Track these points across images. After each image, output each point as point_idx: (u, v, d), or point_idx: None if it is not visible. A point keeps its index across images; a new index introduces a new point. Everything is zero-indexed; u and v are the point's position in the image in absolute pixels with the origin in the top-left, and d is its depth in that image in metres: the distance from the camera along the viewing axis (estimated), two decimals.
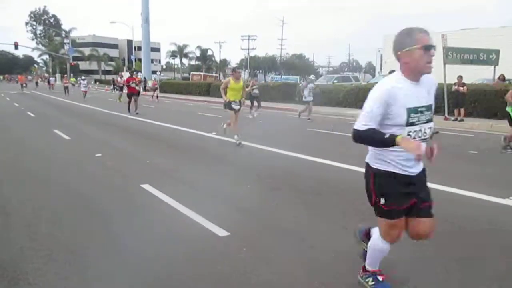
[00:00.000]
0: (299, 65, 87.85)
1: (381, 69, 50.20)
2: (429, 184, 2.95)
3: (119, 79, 37.98)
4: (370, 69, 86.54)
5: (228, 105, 10.16)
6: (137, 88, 19.28)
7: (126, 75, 54.71)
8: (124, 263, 3.81)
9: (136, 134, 12.96)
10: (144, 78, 46.82)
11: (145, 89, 42.94)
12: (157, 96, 31.25)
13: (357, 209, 4.91)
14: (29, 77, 78.44)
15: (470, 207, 5.39)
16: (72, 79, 56.04)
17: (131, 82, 18.85)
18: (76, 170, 7.69)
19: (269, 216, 5.07)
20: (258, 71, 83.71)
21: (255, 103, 18.99)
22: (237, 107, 10.15)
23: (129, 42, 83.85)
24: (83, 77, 41.83)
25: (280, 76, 62.49)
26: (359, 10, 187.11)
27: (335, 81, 30.40)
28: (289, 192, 6.11)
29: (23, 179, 6.99)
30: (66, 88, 37.15)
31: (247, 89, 13.46)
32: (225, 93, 10.21)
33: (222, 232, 4.42)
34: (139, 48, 60.46)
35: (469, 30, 37.03)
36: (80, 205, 5.56)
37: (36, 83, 57.10)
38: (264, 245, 4.18)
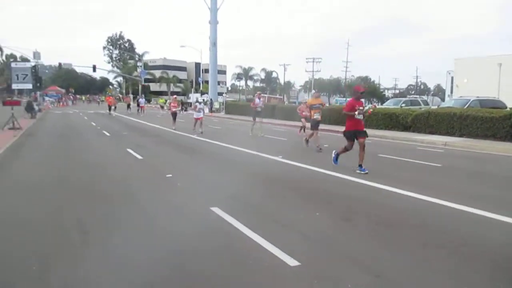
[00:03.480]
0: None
1: (451, 92, 48.24)
2: None
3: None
4: (439, 92, 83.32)
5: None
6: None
7: (194, 96, 56.47)
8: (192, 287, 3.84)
9: (204, 155, 13.27)
10: (211, 99, 48.23)
11: (211, 110, 44.16)
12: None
13: (438, 244, 4.63)
14: (102, 97, 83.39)
15: None
16: (161, 100, 54.84)
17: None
18: (148, 191, 7.96)
19: (341, 247, 4.89)
20: (322, 94, 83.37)
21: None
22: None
23: (197, 65, 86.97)
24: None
25: (344, 99, 61.80)
26: (426, 32, 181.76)
27: (403, 105, 29.44)
28: (362, 222, 5.89)
29: (98, 199, 7.33)
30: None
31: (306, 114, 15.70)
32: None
33: (292, 262, 4.33)
34: (207, 71, 62.43)
35: None
36: (151, 225, 5.72)
37: (128, 105, 47.38)
38: (337, 278, 4.03)
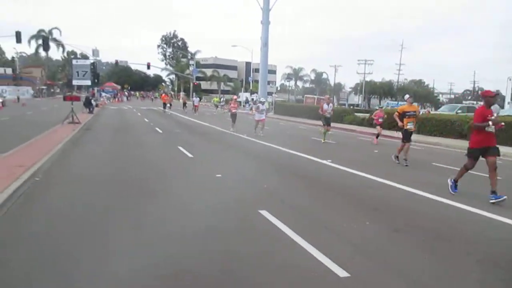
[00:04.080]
0: (417, 92, 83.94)
1: (511, 99, 45.79)
2: None
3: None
4: (498, 99, 79.29)
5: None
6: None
7: (244, 95, 56.79)
8: None
9: (253, 155, 13.34)
10: (259, 99, 48.43)
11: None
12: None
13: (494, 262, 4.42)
14: (156, 94, 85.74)
15: None
16: (216, 99, 54.09)
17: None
18: (198, 190, 8.11)
19: (391, 260, 4.77)
20: (372, 96, 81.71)
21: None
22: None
23: (248, 64, 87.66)
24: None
25: (396, 103, 60.15)
26: (485, 33, 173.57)
27: (459, 111, 28.34)
28: (413, 234, 5.71)
29: (150, 196, 7.55)
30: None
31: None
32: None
33: (342, 273, 4.28)
34: (257, 70, 62.75)
35: None
36: (200, 225, 5.81)
37: (184, 104, 45.45)
38: None
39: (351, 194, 8.17)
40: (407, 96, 12.82)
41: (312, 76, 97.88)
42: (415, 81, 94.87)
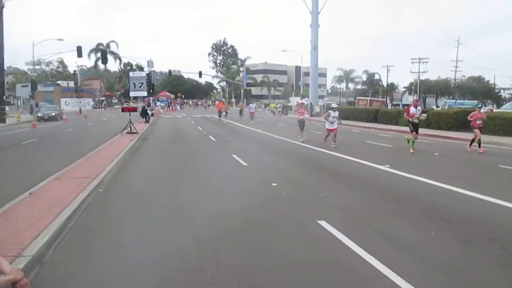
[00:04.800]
0: (476, 88, 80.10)
1: None
2: None
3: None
4: None
5: None
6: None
7: (294, 100, 56.40)
8: None
9: (308, 163, 13.20)
10: (311, 103, 48.06)
11: (311, 115, 44.02)
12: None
13: None
14: (209, 102, 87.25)
15: None
16: (273, 105, 50.57)
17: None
18: (254, 200, 8.06)
19: (460, 273, 4.53)
20: (428, 95, 78.82)
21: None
22: None
23: (297, 68, 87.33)
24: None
25: (454, 101, 57.68)
26: None
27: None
28: (485, 247, 5.37)
29: (205, 205, 7.65)
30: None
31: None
32: None
33: (407, 286, 4.11)
34: (307, 74, 62.39)
35: None
36: (257, 236, 5.79)
37: (241, 111, 42.33)
38: None
39: (410, 199, 7.85)
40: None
41: (364, 78, 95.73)
42: (474, 78, 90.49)
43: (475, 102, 49.07)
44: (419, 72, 71.30)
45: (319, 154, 15.08)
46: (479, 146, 14.87)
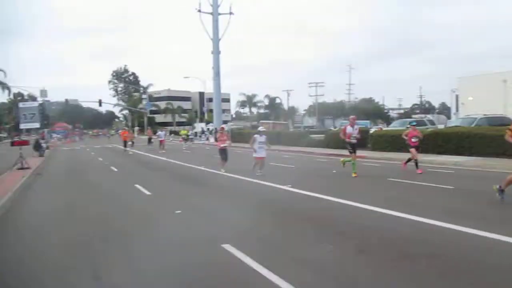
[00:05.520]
0: (368, 109, 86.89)
1: (457, 110, 48.12)
2: None
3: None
4: (444, 110, 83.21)
5: None
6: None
7: (199, 126, 56.05)
8: None
9: (214, 188, 13.09)
10: (215, 128, 48.29)
11: (216, 140, 44.07)
12: None
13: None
14: (111, 131, 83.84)
15: None
16: (183, 131, 47.68)
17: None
18: (156, 228, 7.84)
19: (363, 285, 4.75)
20: (326, 117, 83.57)
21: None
22: None
23: (201, 94, 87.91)
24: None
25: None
26: (428, 50, 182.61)
27: (408, 126, 29.35)
28: (380, 255, 5.70)
29: (110, 235, 7.25)
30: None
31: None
32: None
33: None
34: (211, 100, 62.91)
35: None
36: (160, 263, 5.60)
37: (149, 139, 41.09)
38: None
39: (311, 217, 8.16)
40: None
41: (266, 102, 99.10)
42: (366, 99, 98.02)
43: (368, 121, 52.93)
44: (316, 95, 75.70)
45: (216, 176, 15.14)
46: (417, 166, 14.31)
